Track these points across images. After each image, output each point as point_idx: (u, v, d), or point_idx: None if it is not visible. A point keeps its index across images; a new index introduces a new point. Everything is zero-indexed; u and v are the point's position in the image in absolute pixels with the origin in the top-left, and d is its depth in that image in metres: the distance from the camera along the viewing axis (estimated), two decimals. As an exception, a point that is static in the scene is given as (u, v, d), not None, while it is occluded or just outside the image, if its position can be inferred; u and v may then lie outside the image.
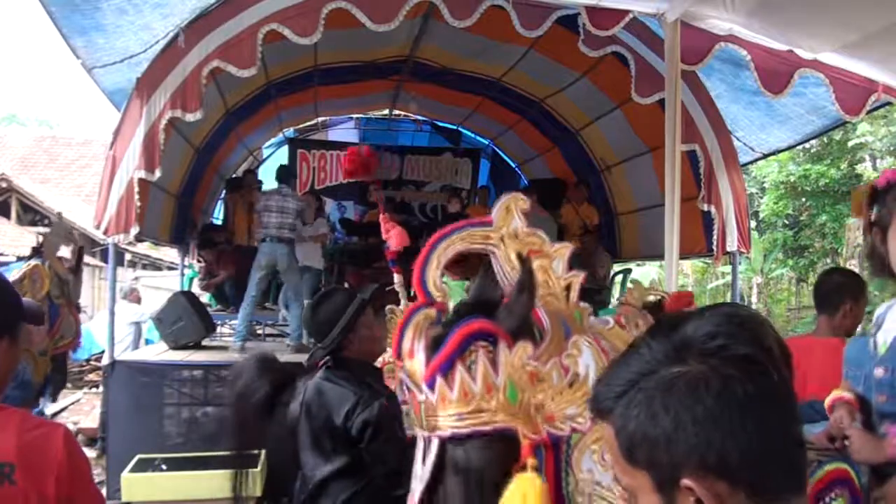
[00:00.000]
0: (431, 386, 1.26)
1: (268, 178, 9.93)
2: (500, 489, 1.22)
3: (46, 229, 15.28)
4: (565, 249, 1.44)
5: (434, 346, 1.28)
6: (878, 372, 1.65)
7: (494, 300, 1.37)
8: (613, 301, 8.59)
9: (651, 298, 2.01)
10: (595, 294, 7.85)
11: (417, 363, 1.29)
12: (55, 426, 1.35)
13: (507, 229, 1.41)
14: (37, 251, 4.41)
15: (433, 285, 1.37)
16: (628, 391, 0.78)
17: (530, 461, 1.25)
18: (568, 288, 1.43)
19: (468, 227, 1.42)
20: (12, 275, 4.03)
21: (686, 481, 0.73)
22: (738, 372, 0.74)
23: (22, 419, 1.32)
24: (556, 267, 1.42)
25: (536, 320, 1.36)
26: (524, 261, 1.35)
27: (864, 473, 1.62)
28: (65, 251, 5.09)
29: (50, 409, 4.78)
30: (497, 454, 1.26)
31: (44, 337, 4.07)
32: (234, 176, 9.37)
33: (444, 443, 1.27)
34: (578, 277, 1.42)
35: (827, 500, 1.34)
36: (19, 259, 12.26)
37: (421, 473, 1.30)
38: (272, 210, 6.30)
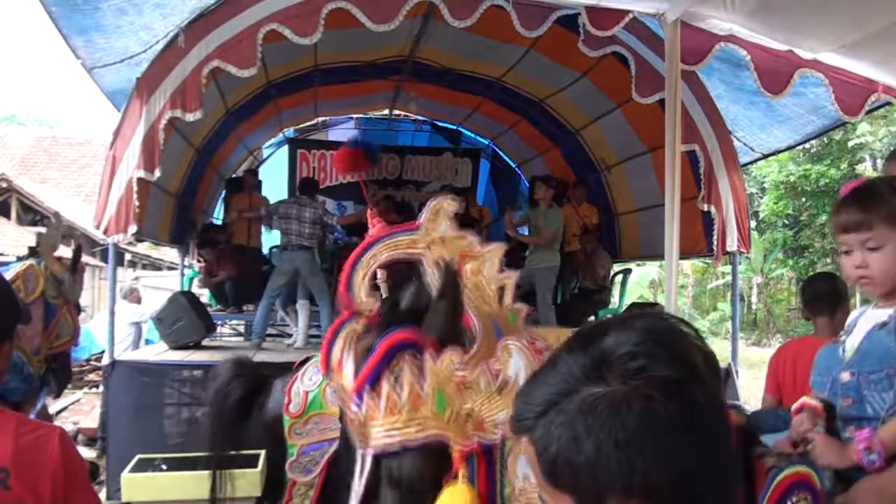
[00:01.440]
0: (360, 399, 1.24)
1: (268, 178, 9.94)
2: (434, 499, 1.21)
3: (44, 229, 15.32)
4: (497, 251, 1.40)
5: (363, 357, 1.25)
6: (845, 376, 1.64)
7: (425, 308, 1.34)
8: (614, 300, 8.60)
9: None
10: (595, 294, 7.86)
11: (346, 377, 1.27)
12: (51, 429, 1.35)
13: (434, 235, 1.38)
14: (33, 251, 4.40)
15: (361, 297, 1.35)
16: (548, 411, 0.74)
17: (461, 471, 1.24)
18: (501, 289, 1.39)
19: (393, 234, 1.39)
20: (7, 274, 4.02)
21: None
22: (660, 393, 0.70)
23: (18, 423, 1.31)
24: (488, 268, 1.39)
25: (467, 325, 1.33)
26: (444, 267, 1.32)
27: (828, 477, 1.61)
28: (66, 251, 5.08)
29: (52, 407, 4.77)
30: (429, 465, 1.25)
31: (36, 335, 4.06)
32: (234, 176, 9.37)
33: (377, 457, 1.25)
34: (511, 278, 1.39)
35: (788, 503, 1.33)
36: (19, 259, 12.26)
37: (357, 488, 1.28)
38: (291, 218, 6.57)
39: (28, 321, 3.05)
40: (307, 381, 2.52)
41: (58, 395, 4.75)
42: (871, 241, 1.60)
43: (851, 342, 1.69)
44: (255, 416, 2.58)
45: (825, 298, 3.01)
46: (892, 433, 1.53)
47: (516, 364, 1.30)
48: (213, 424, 2.52)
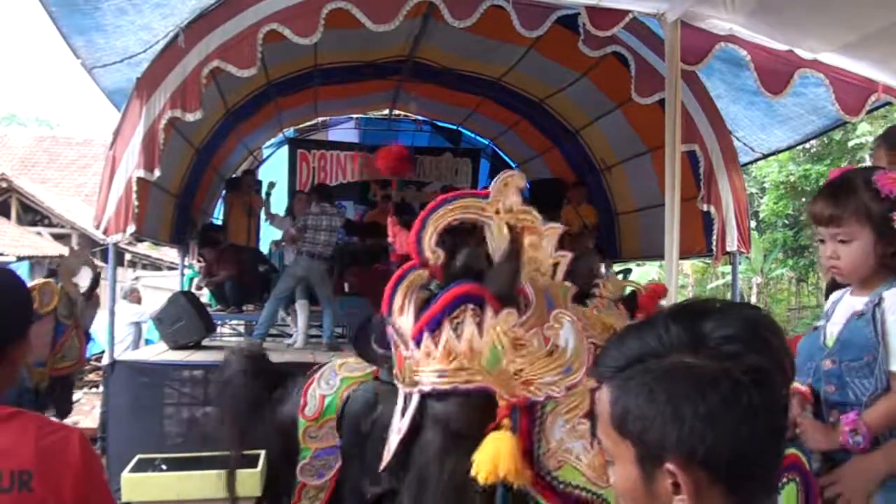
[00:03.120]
0: (418, 342, 1.29)
1: (268, 178, 9.92)
2: (475, 445, 1.25)
3: (48, 229, 15.32)
4: (556, 230, 1.46)
5: (424, 305, 1.30)
6: (827, 364, 1.70)
7: (482, 269, 1.40)
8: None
9: (628, 290, 2.02)
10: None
11: (405, 321, 1.31)
12: (71, 430, 1.36)
13: (503, 203, 1.44)
14: (53, 272, 4.46)
15: (428, 248, 1.39)
16: (634, 365, 0.79)
17: (505, 421, 1.30)
18: (555, 266, 1.45)
19: (465, 197, 1.44)
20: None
21: (671, 466, 0.75)
22: (749, 380, 0.75)
23: (39, 425, 1.32)
24: (545, 245, 1.45)
25: (522, 293, 1.38)
26: (513, 232, 1.37)
27: (816, 460, 1.68)
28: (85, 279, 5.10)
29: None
30: (475, 411, 1.30)
31: (44, 347, 4.08)
32: (234, 176, 9.37)
33: (423, 397, 1.29)
34: (566, 258, 1.45)
35: (779, 484, 1.37)
36: (19, 259, 12.26)
37: (399, 426, 1.32)
38: (321, 229, 6.53)
39: (39, 320, 3.07)
40: (324, 385, 2.52)
41: (61, 417, 4.77)
42: (841, 234, 1.66)
43: (831, 330, 1.74)
44: (268, 415, 2.57)
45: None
46: (876, 417, 1.60)
47: (566, 333, 1.36)
48: (228, 420, 2.52)
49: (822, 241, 1.74)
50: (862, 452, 1.60)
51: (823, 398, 1.72)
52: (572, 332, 1.35)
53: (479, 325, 1.28)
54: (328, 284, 6.79)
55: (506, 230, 1.42)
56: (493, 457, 1.23)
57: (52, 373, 4.23)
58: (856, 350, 1.65)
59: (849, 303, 1.75)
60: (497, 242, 1.43)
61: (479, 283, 1.33)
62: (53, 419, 1.53)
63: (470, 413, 1.30)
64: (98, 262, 13.63)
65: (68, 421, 6.61)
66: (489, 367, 1.29)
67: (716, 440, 0.74)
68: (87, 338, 4.68)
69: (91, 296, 4.53)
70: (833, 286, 3.07)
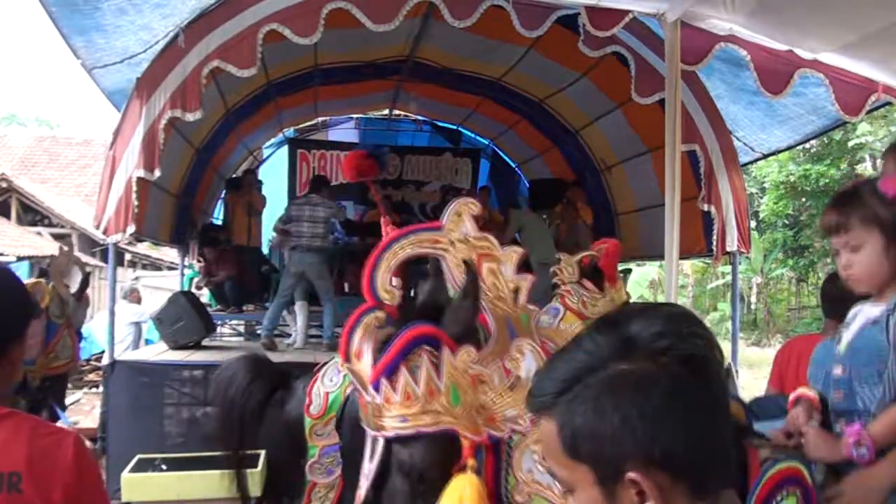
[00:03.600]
0: (377, 388, 1.28)
1: (268, 178, 9.93)
2: (441, 488, 1.25)
3: (48, 229, 15.32)
4: (514, 254, 1.45)
5: (382, 348, 1.30)
6: (837, 370, 1.69)
7: (443, 304, 1.39)
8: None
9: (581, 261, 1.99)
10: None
11: (364, 365, 1.31)
12: (66, 433, 1.35)
13: (457, 234, 1.43)
14: (44, 273, 4.46)
15: (382, 289, 1.39)
16: (573, 386, 0.78)
17: (470, 462, 1.28)
18: (516, 291, 1.44)
19: (417, 231, 1.44)
20: None
21: (632, 475, 0.74)
22: (686, 371, 0.76)
23: (34, 426, 1.32)
24: (505, 270, 1.43)
25: (483, 323, 1.37)
26: (469, 267, 1.36)
27: (820, 471, 1.66)
28: (75, 279, 5.10)
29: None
30: (439, 454, 1.29)
31: (36, 346, 4.08)
32: (234, 176, 9.37)
33: (389, 443, 1.29)
34: (527, 280, 1.43)
35: (778, 497, 1.37)
36: (19, 259, 12.25)
37: (367, 471, 1.32)
38: (303, 220, 6.45)
39: (39, 315, 3.09)
40: (328, 383, 2.53)
41: (53, 418, 4.78)
42: (851, 242, 1.66)
43: (846, 337, 1.73)
44: (272, 417, 2.58)
45: (840, 300, 2.98)
46: (882, 428, 1.57)
47: (528, 364, 1.35)
48: (231, 425, 2.52)
49: (837, 253, 1.73)
50: (867, 465, 1.58)
51: (831, 406, 1.70)
52: (534, 361, 1.34)
53: (437, 366, 1.28)
54: (327, 278, 6.70)
55: (461, 262, 1.41)
56: (459, 499, 1.23)
57: (46, 372, 4.23)
58: (867, 357, 1.63)
59: (866, 312, 1.73)
60: (454, 275, 1.42)
61: (435, 323, 1.33)
62: (49, 422, 1.53)
63: (435, 456, 1.29)
64: (98, 262, 13.67)
65: (72, 420, 6.62)
66: (450, 407, 1.28)
67: (669, 437, 0.74)
68: (79, 337, 4.68)
69: (81, 296, 4.54)
70: (829, 290, 3.05)
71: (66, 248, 4.57)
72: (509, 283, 1.44)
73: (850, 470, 1.61)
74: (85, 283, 4.67)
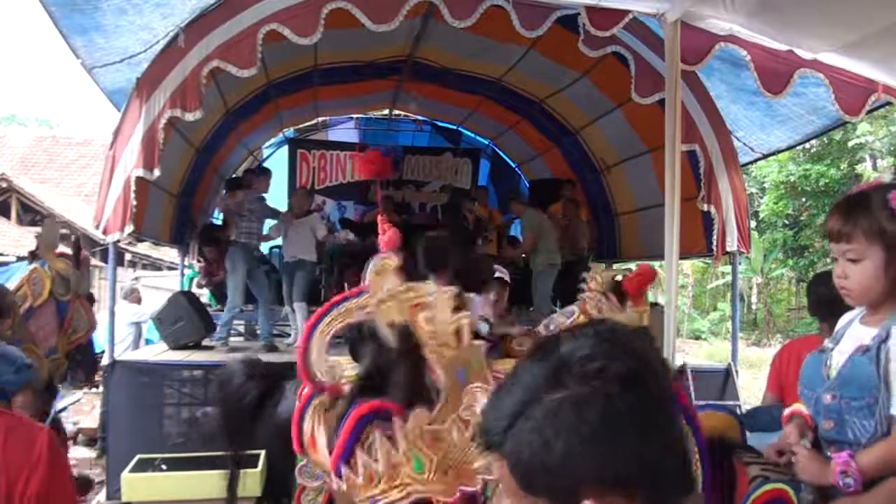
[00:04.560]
0: (339, 475, 1.27)
1: (268, 178, 9.91)
2: None
3: (41, 230, 15.31)
4: (446, 295, 1.41)
5: (335, 428, 1.28)
6: (827, 398, 1.63)
7: (387, 366, 1.36)
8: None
9: (618, 278, 1.99)
10: (576, 265, 7.79)
11: (321, 452, 1.30)
12: (39, 428, 1.41)
13: (382, 293, 1.40)
14: (34, 254, 4.43)
15: (318, 371, 1.37)
16: (516, 421, 0.78)
17: None
18: (457, 331, 1.40)
19: (341, 302, 1.41)
20: (13, 282, 4.05)
21: (588, 502, 0.74)
22: (619, 389, 0.76)
23: (9, 424, 1.37)
24: (441, 313, 1.39)
25: (433, 377, 1.35)
26: (399, 332, 1.34)
27: (810, 492, 1.63)
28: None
29: (60, 403, 4.81)
30: None
31: (51, 335, 4.08)
32: (234, 176, 9.37)
33: None
34: (465, 318, 1.40)
35: None
36: (19, 259, 12.25)
37: None
38: (242, 214, 6.59)
39: (8, 315, 3.09)
40: None
41: (87, 380, 4.83)
42: (851, 253, 1.59)
43: (837, 360, 1.66)
44: (266, 418, 2.58)
45: (832, 303, 2.94)
46: (870, 460, 1.53)
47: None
48: (224, 425, 2.52)
49: (835, 259, 1.65)
50: (853, 495, 1.54)
51: (821, 434, 1.66)
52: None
53: (391, 438, 1.27)
54: (262, 280, 6.74)
55: (392, 325, 1.38)
56: None
57: (68, 347, 4.25)
58: (856, 388, 1.57)
59: (857, 332, 1.66)
60: (387, 335, 1.40)
61: (379, 393, 1.31)
62: (24, 417, 1.55)
63: None
64: (98, 262, 13.67)
65: (68, 422, 6.62)
66: (416, 475, 1.26)
67: (615, 457, 0.74)
68: (90, 300, 4.67)
69: (79, 261, 4.50)
70: (821, 292, 2.98)
71: (49, 220, 4.54)
72: (448, 327, 1.41)
73: (838, 494, 1.57)
74: (77, 248, 4.63)
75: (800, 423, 1.70)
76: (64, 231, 4.55)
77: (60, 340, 4.16)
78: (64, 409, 7.50)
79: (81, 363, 4.40)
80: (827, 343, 1.75)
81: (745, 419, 1.88)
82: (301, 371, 1.38)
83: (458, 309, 1.41)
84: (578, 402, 0.75)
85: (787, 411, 1.79)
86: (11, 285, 3.90)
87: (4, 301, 3.02)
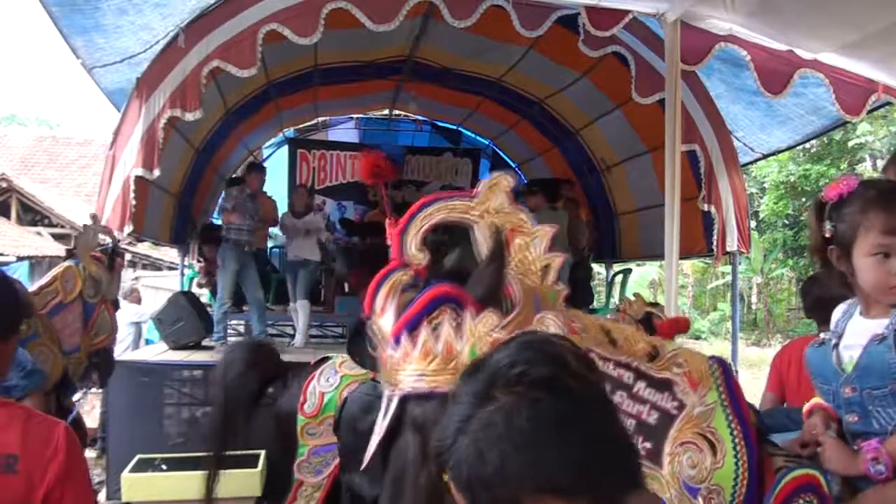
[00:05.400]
0: (397, 342, 1.28)
1: (268, 178, 9.91)
2: None
3: (48, 229, 15.32)
4: (548, 231, 1.44)
5: (406, 305, 1.29)
6: (847, 391, 1.60)
7: (470, 271, 1.38)
8: (614, 300, 8.60)
9: (653, 314, 2.00)
10: (576, 266, 7.76)
11: (386, 321, 1.30)
12: (56, 422, 1.45)
13: (490, 204, 1.42)
14: (70, 253, 4.46)
15: (412, 249, 1.38)
16: (458, 439, 0.79)
17: None
18: (545, 268, 1.43)
19: (451, 198, 1.42)
20: (48, 275, 4.08)
21: None
22: (544, 393, 0.76)
23: (28, 414, 1.43)
24: (535, 246, 1.42)
25: (508, 293, 1.36)
26: (497, 233, 1.35)
27: (836, 483, 1.60)
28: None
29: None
30: None
31: (75, 334, 4.10)
32: (233, 176, 9.37)
33: (402, 400, 1.28)
34: (558, 259, 1.42)
35: None
36: (20, 259, 12.24)
37: (378, 429, 1.32)
38: (235, 211, 6.46)
39: (31, 314, 3.11)
40: (324, 382, 2.52)
41: (102, 385, 4.87)
42: None
43: (849, 353, 1.64)
44: (266, 408, 2.57)
45: (829, 304, 2.93)
46: None
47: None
48: (222, 411, 2.52)
49: (885, 255, 1.55)
50: (884, 482, 1.51)
51: (846, 427, 1.63)
52: (558, 332, 1.35)
53: (458, 326, 1.28)
54: (253, 280, 6.52)
55: (491, 229, 1.40)
56: None
57: (90, 349, 4.28)
58: (877, 377, 1.55)
59: (864, 325, 1.64)
60: (483, 244, 1.41)
61: (461, 285, 1.32)
62: (39, 412, 1.58)
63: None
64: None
65: (69, 422, 6.61)
66: None
67: (548, 464, 0.73)
68: (116, 306, 4.71)
69: (114, 265, 4.53)
70: (819, 293, 2.95)
71: (89, 224, 4.54)
72: (539, 261, 1.43)
73: (866, 485, 1.56)
74: (114, 251, 4.66)
75: (824, 414, 1.67)
76: (102, 232, 4.55)
77: (84, 341, 4.19)
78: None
79: (98, 366, 4.43)
80: (824, 336, 1.73)
81: (762, 420, 1.87)
82: (394, 245, 1.38)
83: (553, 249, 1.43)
84: (507, 412, 0.76)
85: (807, 406, 1.77)
86: (44, 280, 3.95)
87: (25, 302, 3.06)
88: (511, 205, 1.43)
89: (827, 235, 1.63)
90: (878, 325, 1.59)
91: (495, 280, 1.32)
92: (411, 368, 1.24)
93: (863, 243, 1.56)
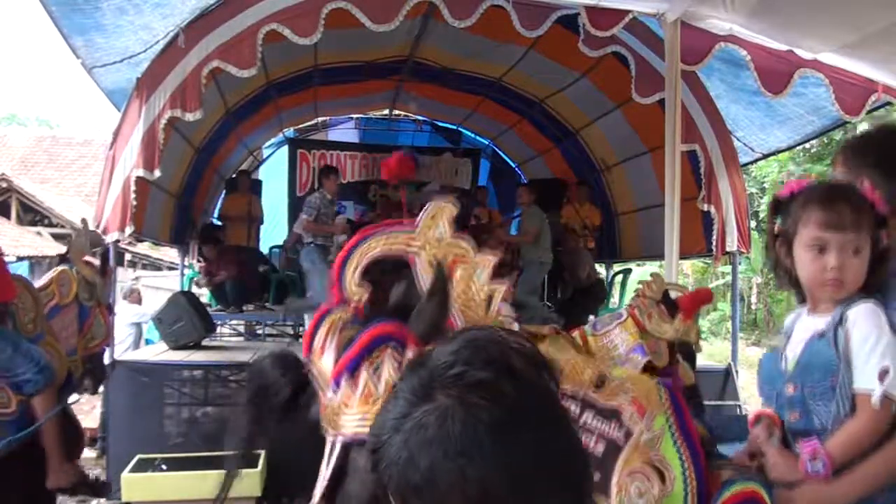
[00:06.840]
0: (337, 385, 1.27)
1: (268, 178, 9.93)
2: None
3: (48, 229, 15.32)
4: (489, 260, 1.42)
5: (346, 345, 1.28)
6: (788, 389, 1.61)
7: (413, 307, 1.37)
8: (614, 300, 8.60)
9: (672, 293, 1.99)
10: (580, 295, 7.72)
11: (326, 362, 1.29)
12: None
13: (430, 236, 1.40)
14: (64, 258, 4.48)
15: (351, 287, 1.37)
16: (391, 438, 0.74)
17: None
18: (489, 299, 1.41)
19: (389, 230, 1.41)
20: (42, 280, 4.10)
21: None
22: (480, 397, 0.71)
23: None
24: (479, 276, 1.40)
25: (451, 327, 1.35)
26: (437, 266, 1.34)
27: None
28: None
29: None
30: None
31: (72, 336, 4.12)
32: (234, 176, 9.37)
33: (346, 445, 1.27)
34: (501, 289, 1.41)
35: None
36: (19, 259, 12.24)
37: (323, 474, 1.31)
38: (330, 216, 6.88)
39: (39, 310, 3.13)
40: None
41: (94, 392, 4.88)
42: (856, 244, 1.55)
43: (792, 352, 1.65)
44: (297, 417, 2.56)
45: None
46: (838, 443, 1.51)
47: None
48: (254, 422, 2.52)
49: (820, 249, 1.58)
50: (823, 480, 1.50)
51: (787, 426, 1.63)
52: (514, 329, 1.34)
53: (400, 366, 1.27)
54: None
55: (432, 263, 1.39)
56: None
57: (84, 352, 4.30)
58: (817, 373, 1.56)
59: (807, 323, 1.65)
60: (424, 277, 1.40)
61: (401, 322, 1.32)
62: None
63: None
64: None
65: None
66: None
67: (479, 472, 0.68)
68: (110, 310, 4.73)
69: (105, 270, 4.55)
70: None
71: (80, 227, 4.56)
72: (482, 291, 1.41)
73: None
74: (105, 256, 4.67)
75: (767, 423, 1.67)
76: (94, 238, 4.56)
77: (80, 344, 4.20)
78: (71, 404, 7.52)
79: (92, 372, 4.44)
80: (777, 341, 1.77)
81: (716, 429, 1.86)
82: (333, 280, 1.37)
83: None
84: (441, 414, 0.71)
85: (751, 415, 1.77)
86: (39, 283, 3.96)
87: (34, 296, 3.08)
88: (453, 234, 1.42)
89: (776, 231, 1.68)
90: (822, 322, 1.60)
91: (437, 315, 1.31)
92: (352, 413, 1.24)
93: (802, 237, 1.60)
